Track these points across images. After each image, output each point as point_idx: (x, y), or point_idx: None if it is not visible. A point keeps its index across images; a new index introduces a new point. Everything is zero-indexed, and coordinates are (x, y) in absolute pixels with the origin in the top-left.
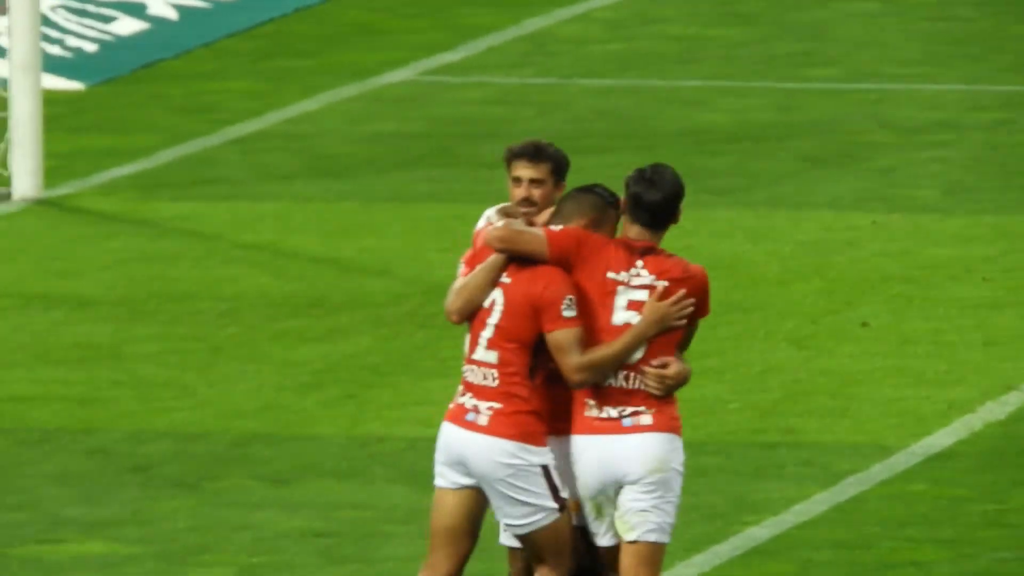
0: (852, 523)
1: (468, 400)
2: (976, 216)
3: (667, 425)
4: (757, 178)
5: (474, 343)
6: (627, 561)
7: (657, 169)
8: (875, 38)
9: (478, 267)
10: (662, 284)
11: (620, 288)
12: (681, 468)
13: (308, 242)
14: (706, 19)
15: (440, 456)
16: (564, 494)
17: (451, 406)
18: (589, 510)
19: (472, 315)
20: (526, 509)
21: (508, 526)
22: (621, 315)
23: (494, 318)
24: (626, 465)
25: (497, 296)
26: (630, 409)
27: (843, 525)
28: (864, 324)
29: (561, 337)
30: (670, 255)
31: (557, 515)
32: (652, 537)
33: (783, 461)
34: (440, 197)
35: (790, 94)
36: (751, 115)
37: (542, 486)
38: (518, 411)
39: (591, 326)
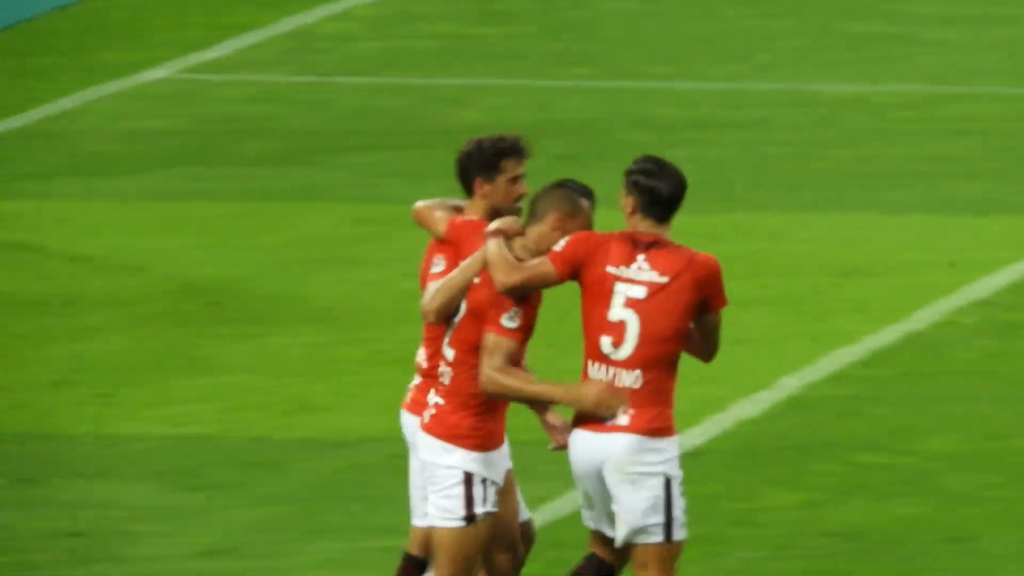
0: None
1: (430, 394)
2: (728, 214)
3: (643, 427)
4: None
5: (439, 338)
6: (633, 563)
7: (660, 163)
8: (634, 37)
9: (457, 268)
10: (663, 280)
11: (619, 284)
12: (659, 469)
13: (64, 240)
14: (467, 17)
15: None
16: (480, 509)
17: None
18: (580, 497)
19: (448, 317)
20: (437, 503)
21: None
22: (618, 311)
23: (457, 316)
24: (603, 463)
25: (466, 298)
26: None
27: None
28: None
29: (492, 341)
30: (678, 246)
31: (463, 524)
32: (638, 539)
33: None
34: (200, 195)
35: (549, 92)
36: (510, 113)
37: (457, 492)
38: (457, 411)
39: (590, 319)
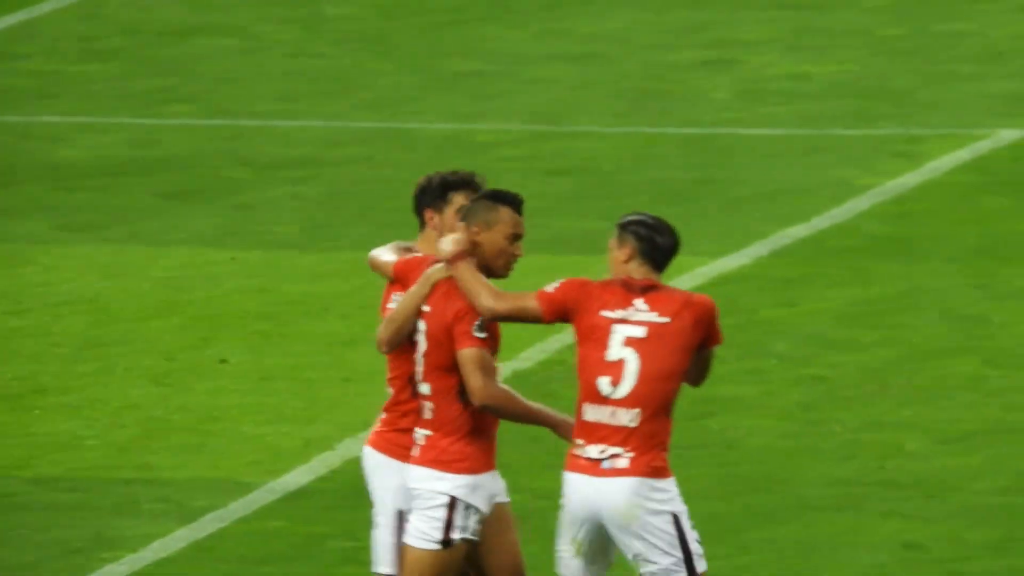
0: (211, 560)
1: (415, 431)
2: (333, 252)
3: (643, 469)
4: (116, 214)
5: (412, 382)
6: None
7: (654, 217)
8: (234, 75)
9: (404, 297)
10: (664, 320)
11: (616, 326)
12: (664, 507)
13: None
14: (65, 55)
15: None
16: (457, 535)
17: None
18: (566, 544)
19: (400, 346)
20: (415, 524)
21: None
22: (616, 351)
23: (422, 349)
24: (603, 509)
25: (420, 326)
26: (611, 451)
27: (202, 563)
28: (222, 361)
29: (466, 355)
30: (674, 289)
31: (432, 547)
32: None
33: (140, 498)
34: None
35: (149, 130)
36: (110, 151)
37: (439, 515)
38: (446, 437)
39: (585, 362)
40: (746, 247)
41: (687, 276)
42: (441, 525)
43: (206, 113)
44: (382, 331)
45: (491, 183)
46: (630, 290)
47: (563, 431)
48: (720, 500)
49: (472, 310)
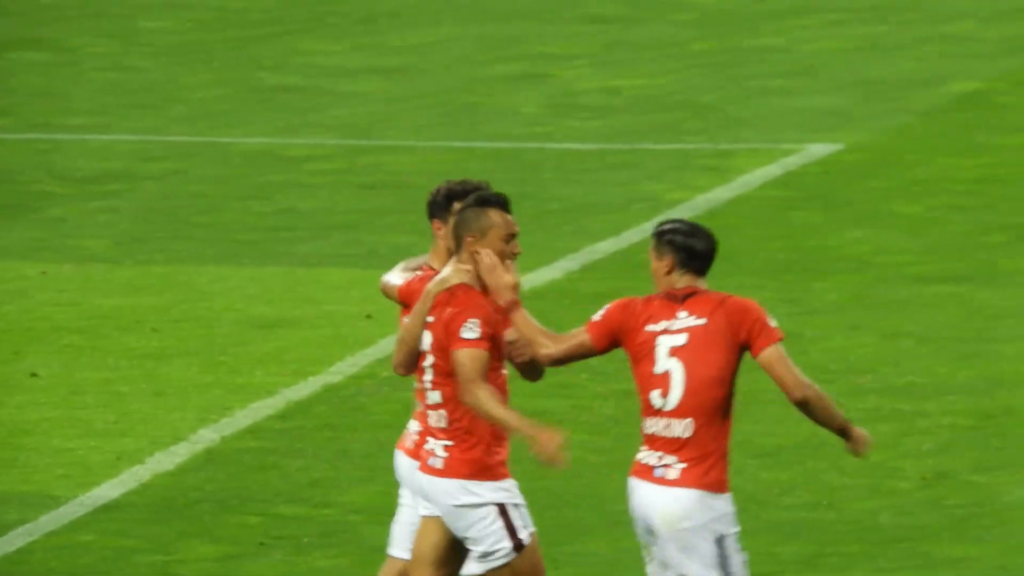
0: (21, 574)
1: (429, 441)
2: (146, 266)
3: (694, 481)
4: None
5: (423, 392)
6: None
7: (689, 223)
8: (48, 88)
9: (409, 318)
10: (700, 322)
11: (661, 338)
12: (709, 526)
13: None
14: None
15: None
16: (523, 533)
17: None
18: (643, 547)
19: (415, 364)
20: (479, 548)
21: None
22: (663, 363)
23: (429, 360)
24: (653, 516)
25: (426, 336)
26: (666, 459)
27: None
28: (33, 375)
29: (459, 356)
30: (714, 292)
31: (513, 555)
32: None
33: None
34: None
35: None
36: None
37: (497, 527)
38: (471, 447)
39: (639, 379)
40: (556, 261)
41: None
42: (506, 534)
43: (20, 127)
44: (395, 354)
45: (305, 198)
46: (673, 301)
47: (530, 442)
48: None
49: (464, 312)
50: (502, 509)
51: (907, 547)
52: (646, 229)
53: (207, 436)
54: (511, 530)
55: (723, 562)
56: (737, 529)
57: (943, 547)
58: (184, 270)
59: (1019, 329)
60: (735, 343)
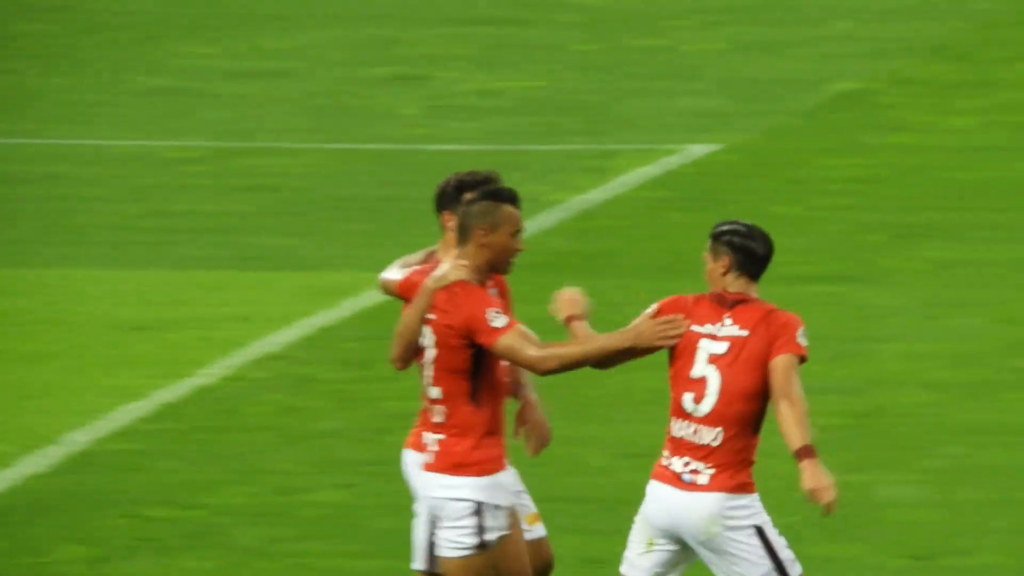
0: None
1: (425, 435)
2: (17, 269)
3: (724, 485)
4: None
5: (425, 387)
6: None
7: (748, 224)
8: None
9: (407, 312)
10: (743, 334)
11: (703, 341)
12: (745, 522)
13: None
14: None
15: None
16: (491, 536)
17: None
18: (637, 544)
19: (412, 358)
20: (445, 537)
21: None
22: (700, 368)
23: (430, 355)
24: (682, 523)
25: (427, 332)
26: (693, 465)
27: None
28: None
29: (503, 343)
30: (763, 303)
31: (473, 552)
32: None
33: None
34: None
35: None
36: None
37: (469, 522)
38: (460, 442)
39: (675, 377)
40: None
41: (374, 292)
42: (474, 531)
43: None
44: (394, 348)
45: (178, 200)
46: (722, 304)
47: (639, 340)
48: (404, 516)
49: (480, 306)
50: (478, 508)
51: None
52: (526, 229)
53: (78, 438)
54: (480, 529)
55: (770, 550)
56: (770, 518)
57: (816, 547)
58: (56, 272)
59: (896, 328)
60: (768, 358)
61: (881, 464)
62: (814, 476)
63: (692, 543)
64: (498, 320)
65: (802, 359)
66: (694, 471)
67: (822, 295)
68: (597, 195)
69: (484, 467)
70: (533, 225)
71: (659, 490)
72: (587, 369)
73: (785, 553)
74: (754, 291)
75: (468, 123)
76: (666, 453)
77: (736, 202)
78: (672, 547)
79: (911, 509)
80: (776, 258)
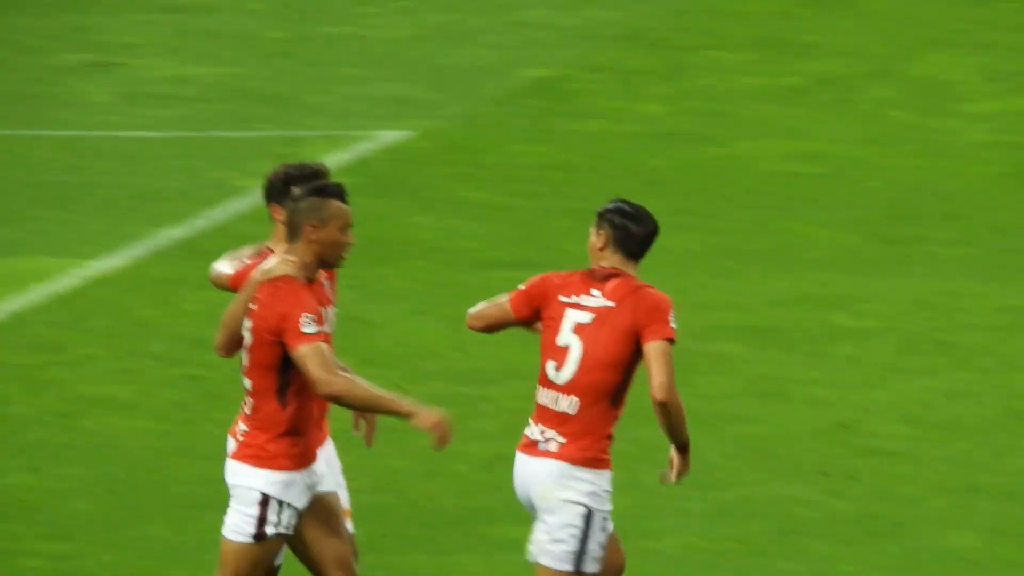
0: None
1: (238, 423)
2: None
3: (571, 455)
4: None
5: (241, 376)
6: None
7: (636, 205)
8: None
9: (232, 303)
10: (609, 304)
11: (569, 311)
12: (579, 498)
13: None
14: None
15: None
16: (271, 530)
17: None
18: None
19: (236, 348)
20: (230, 520)
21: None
22: (565, 336)
23: (246, 346)
24: (531, 489)
25: (247, 323)
26: (548, 433)
27: None
28: None
29: (302, 352)
30: (634, 279)
31: (246, 541)
32: (543, 560)
33: None
34: None
35: None
36: None
37: (252, 511)
38: (261, 434)
39: (543, 346)
40: (123, 248)
41: (64, 278)
42: (254, 521)
43: None
44: (217, 336)
45: None
46: (593, 278)
47: (417, 420)
48: (92, 499)
49: (296, 308)
50: (265, 499)
51: (468, 528)
52: (212, 216)
53: None
54: (261, 521)
55: (585, 537)
56: (609, 508)
57: (503, 528)
58: None
59: None
60: (634, 332)
61: None
62: (684, 465)
63: (536, 506)
64: (308, 327)
65: (672, 342)
66: (548, 439)
67: (510, 281)
68: None
69: (279, 462)
70: (223, 211)
71: (518, 459)
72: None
73: (594, 546)
74: (631, 270)
75: (159, 110)
76: (530, 422)
77: (428, 188)
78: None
79: None
80: (464, 244)
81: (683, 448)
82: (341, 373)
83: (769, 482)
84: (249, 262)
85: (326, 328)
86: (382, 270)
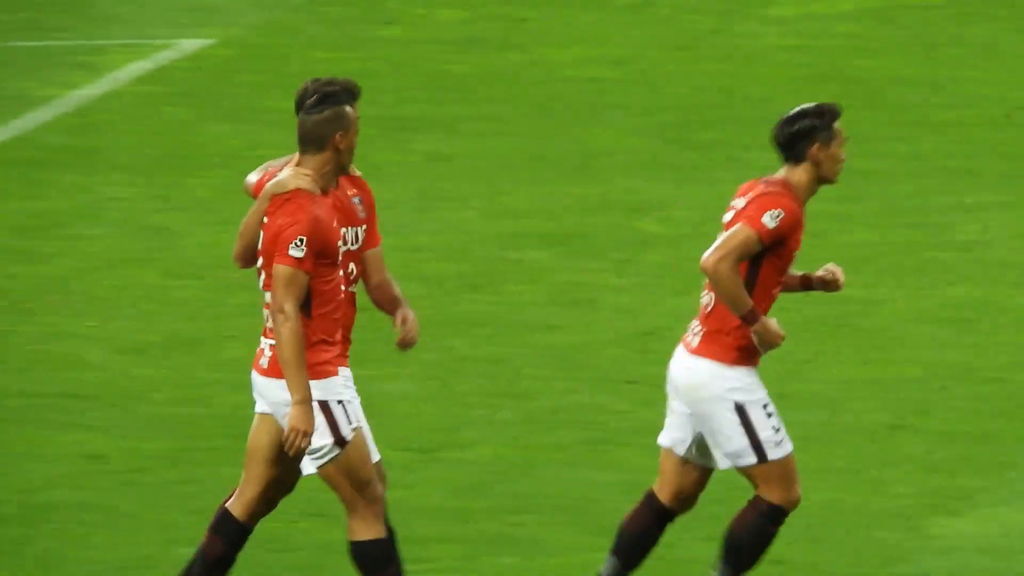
0: None
1: (262, 340)
2: None
3: (709, 352)
4: None
5: (261, 291)
6: None
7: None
8: None
9: (248, 213)
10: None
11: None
12: (728, 395)
13: None
14: None
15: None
16: (346, 429)
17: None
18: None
19: (253, 259)
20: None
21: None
22: None
23: (261, 261)
24: (675, 380)
25: (260, 236)
26: (695, 328)
27: None
28: None
29: (279, 271)
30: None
31: (336, 450)
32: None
33: None
34: None
35: None
36: None
37: (319, 420)
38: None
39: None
40: None
41: None
42: (328, 430)
43: None
44: (235, 247)
45: None
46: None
47: (290, 412)
48: None
49: (294, 227)
50: (323, 406)
51: None
52: (14, 127)
53: None
54: (333, 426)
55: (747, 429)
56: (759, 397)
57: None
58: None
59: (391, 222)
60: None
61: (382, 359)
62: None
63: (685, 402)
64: (296, 250)
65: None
66: (695, 333)
67: None
68: (91, 91)
69: (322, 369)
70: (26, 121)
71: (676, 350)
72: (92, 264)
73: (767, 434)
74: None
75: None
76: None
77: (231, 96)
78: (683, 409)
79: (413, 403)
80: (268, 153)
81: (746, 319)
82: (292, 317)
83: (578, 391)
84: (272, 171)
85: (351, 247)
86: (187, 180)
